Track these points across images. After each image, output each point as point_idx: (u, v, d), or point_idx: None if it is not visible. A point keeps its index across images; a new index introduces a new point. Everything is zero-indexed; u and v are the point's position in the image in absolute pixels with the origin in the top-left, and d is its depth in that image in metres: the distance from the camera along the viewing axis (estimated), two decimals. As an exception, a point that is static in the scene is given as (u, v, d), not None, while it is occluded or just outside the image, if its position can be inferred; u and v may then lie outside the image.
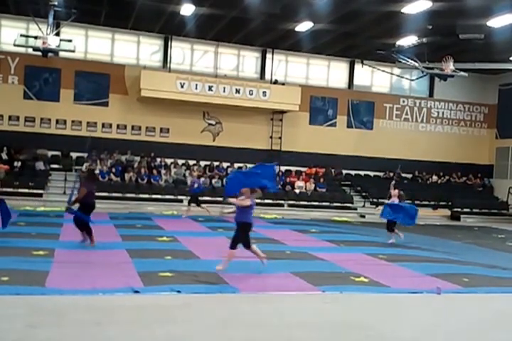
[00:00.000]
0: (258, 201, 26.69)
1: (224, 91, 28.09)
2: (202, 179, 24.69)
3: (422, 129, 33.95)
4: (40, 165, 25.94)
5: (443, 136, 34.10)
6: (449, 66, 26.31)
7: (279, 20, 25.15)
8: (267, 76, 30.93)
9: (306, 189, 28.86)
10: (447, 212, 30.33)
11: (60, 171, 26.29)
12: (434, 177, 32.93)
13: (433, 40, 25.58)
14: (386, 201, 18.35)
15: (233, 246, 11.24)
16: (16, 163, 25.53)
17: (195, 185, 22.95)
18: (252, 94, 28.45)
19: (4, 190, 23.59)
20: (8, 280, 9.22)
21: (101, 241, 14.07)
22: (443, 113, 34.33)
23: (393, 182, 19.26)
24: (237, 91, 28.27)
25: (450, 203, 30.54)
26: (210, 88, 27.89)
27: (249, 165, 29.41)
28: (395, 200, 17.74)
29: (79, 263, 11.22)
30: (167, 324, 7.42)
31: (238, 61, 30.99)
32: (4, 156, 25.93)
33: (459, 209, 30.38)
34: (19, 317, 7.33)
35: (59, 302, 8.23)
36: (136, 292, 8.98)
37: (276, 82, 30.24)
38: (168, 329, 7.17)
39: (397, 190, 18.26)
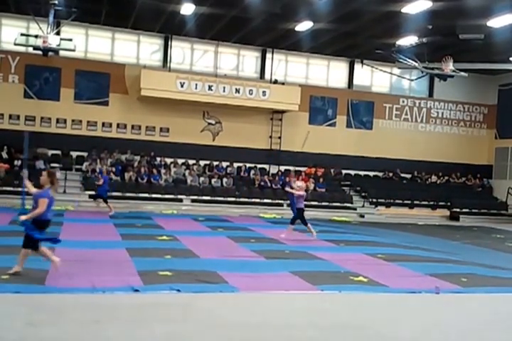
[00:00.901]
0: (257, 200, 27.15)
1: (224, 90, 28.09)
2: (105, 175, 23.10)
3: (421, 129, 33.96)
4: (40, 164, 25.92)
5: (442, 136, 34.12)
6: (449, 66, 26.31)
7: (279, 19, 25.16)
8: (267, 76, 30.94)
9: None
10: (446, 212, 30.38)
11: (61, 170, 26.29)
12: (434, 178, 32.94)
13: (433, 40, 25.57)
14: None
15: (26, 246, 9.81)
16: (16, 162, 25.53)
17: (101, 182, 22.08)
18: (251, 93, 28.47)
19: (4, 188, 23.67)
20: (8, 279, 9.26)
21: (101, 240, 14.12)
22: (442, 113, 34.35)
23: (292, 174, 18.61)
24: (237, 90, 28.28)
25: (449, 203, 30.57)
26: (210, 87, 27.90)
27: (248, 165, 29.60)
28: (302, 193, 16.92)
29: (79, 261, 11.24)
30: (167, 323, 7.44)
31: (238, 61, 30.99)
32: (4, 155, 25.95)
33: (458, 210, 30.42)
34: (19, 316, 7.37)
35: (59, 301, 8.27)
36: (136, 291, 9.02)
37: (276, 82, 30.25)
38: (168, 328, 7.20)
39: (303, 182, 17.77)
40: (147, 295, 8.88)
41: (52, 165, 26.54)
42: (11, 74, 27.24)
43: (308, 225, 17.07)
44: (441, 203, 30.61)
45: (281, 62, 31.65)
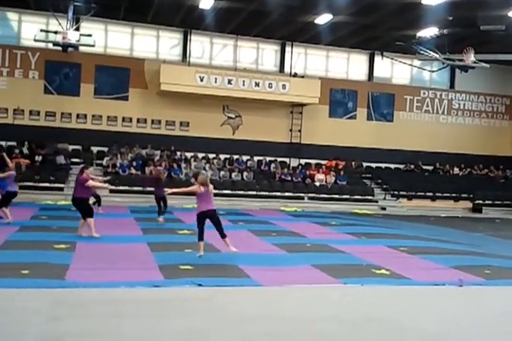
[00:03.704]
0: (278, 194, 27.11)
1: (243, 84, 28.04)
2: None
3: (442, 121, 33.70)
4: (60, 159, 26.10)
5: (464, 128, 33.84)
6: (470, 57, 26.04)
7: (298, 12, 25.05)
8: (287, 69, 30.83)
9: (326, 182, 28.77)
10: (469, 204, 30.08)
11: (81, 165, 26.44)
12: (456, 170, 32.70)
13: (454, 31, 25.32)
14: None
15: None
16: (37, 157, 25.71)
17: None
18: (271, 87, 28.39)
19: (25, 184, 23.83)
20: (29, 274, 9.32)
21: (122, 235, 14.16)
22: (464, 104, 34.06)
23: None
24: (257, 84, 28.21)
25: (471, 195, 30.26)
26: (229, 81, 27.87)
27: (268, 158, 29.57)
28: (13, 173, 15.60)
29: (100, 256, 11.28)
30: (188, 317, 7.44)
31: (257, 54, 30.91)
32: (25, 151, 26.12)
33: (481, 202, 30.10)
34: (41, 310, 7.41)
35: (80, 295, 8.31)
36: (156, 286, 9.01)
37: (295, 75, 30.14)
38: (189, 322, 7.19)
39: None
40: (168, 290, 8.89)
41: (73, 160, 26.73)
42: (31, 70, 27.36)
43: (4, 209, 15.44)
44: (463, 195, 30.31)
45: (301, 55, 31.52)
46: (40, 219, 16.94)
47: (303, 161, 30.55)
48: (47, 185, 24.39)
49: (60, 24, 23.52)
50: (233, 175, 27.80)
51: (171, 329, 6.89)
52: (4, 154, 17.98)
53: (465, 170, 32.85)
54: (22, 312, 7.29)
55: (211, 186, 12.21)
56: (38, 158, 25.73)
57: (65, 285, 8.82)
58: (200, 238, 11.73)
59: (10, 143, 26.35)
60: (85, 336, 6.54)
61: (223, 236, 11.81)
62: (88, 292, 8.52)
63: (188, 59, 29.31)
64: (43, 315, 7.23)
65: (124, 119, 28.35)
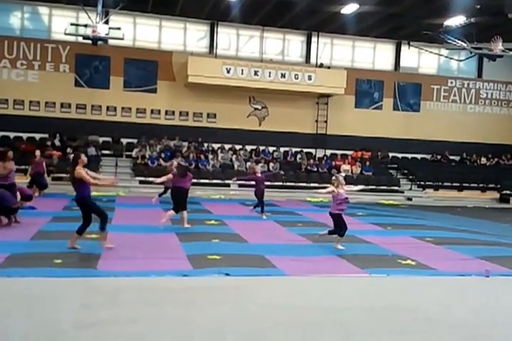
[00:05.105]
0: (304, 185, 27.20)
1: (269, 75, 28.18)
2: None
3: (470, 111, 33.51)
4: (91, 151, 26.45)
5: (492, 118, 33.61)
6: (498, 46, 25.85)
7: (324, 3, 25.10)
8: (313, 60, 30.87)
9: (352, 172, 28.82)
10: (496, 194, 29.91)
11: (111, 157, 26.83)
12: (483, 159, 32.54)
13: (481, 19, 25.11)
14: None
15: None
16: (68, 149, 26.09)
17: None
18: (297, 78, 28.47)
19: (58, 175, 24.23)
20: (61, 263, 9.55)
21: (151, 225, 14.39)
22: (492, 94, 33.81)
23: None
24: (283, 75, 28.32)
25: (499, 185, 30.10)
26: (255, 73, 28.02)
27: (294, 149, 29.66)
28: None
29: (130, 246, 11.51)
30: (217, 305, 7.62)
31: (283, 45, 31.00)
32: (57, 143, 26.53)
33: (508, 192, 29.90)
34: (74, 299, 7.62)
35: (112, 284, 8.51)
36: (185, 275, 9.23)
37: (321, 66, 30.16)
38: (219, 311, 7.38)
39: None
40: (197, 279, 9.07)
41: (104, 152, 27.11)
42: (61, 64, 27.75)
43: None
44: (490, 185, 30.16)
45: (327, 46, 31.54)
46: (72, 209, 17.14)
47: (329, 152, 30.66)
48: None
49: (89, 18, 23.90)
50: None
51: (201, 317, 7.07)
52: None
53: (492, 160, 32.67)
54: (56, 301, 7.50)
55: (344, 188, 12.50)
56: (70, 150, 26.10)
57: (97, 274, 9.06)
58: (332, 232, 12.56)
59: (42, 136, 26.87)
60: (118, 323, 6.75)
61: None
62: (119, 281, 8.71)
63: (214, 51, 29.50)
64: (76, 303, 7.43)
65: (152, 111, 28.72)
